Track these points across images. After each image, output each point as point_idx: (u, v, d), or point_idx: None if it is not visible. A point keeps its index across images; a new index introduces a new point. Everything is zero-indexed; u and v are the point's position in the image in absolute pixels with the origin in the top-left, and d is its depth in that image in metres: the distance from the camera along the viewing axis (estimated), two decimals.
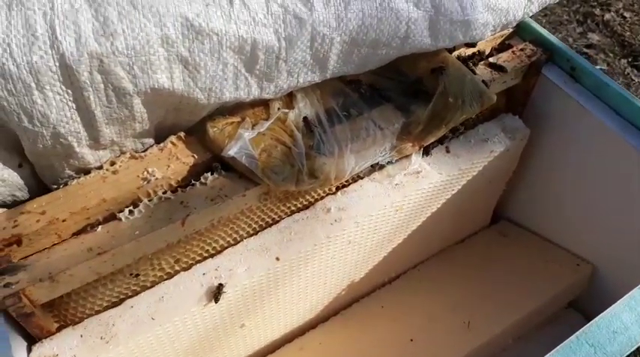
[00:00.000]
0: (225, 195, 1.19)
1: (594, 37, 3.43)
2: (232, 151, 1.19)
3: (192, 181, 1.21)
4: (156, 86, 1.07)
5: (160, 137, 1.25)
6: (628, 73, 3.26)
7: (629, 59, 3.31)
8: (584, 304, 1.76)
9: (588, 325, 0.98)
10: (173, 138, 1.25)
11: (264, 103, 1.29)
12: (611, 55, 3.35)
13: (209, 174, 1.21)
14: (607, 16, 3.57)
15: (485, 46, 1.51)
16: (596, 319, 0.99)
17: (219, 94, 1.16)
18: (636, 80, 3.23)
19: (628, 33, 3.45)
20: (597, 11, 3.58)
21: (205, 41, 1.07)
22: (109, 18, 1.01)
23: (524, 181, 1.73)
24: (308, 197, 1.34)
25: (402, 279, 1.68)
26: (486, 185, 1.61)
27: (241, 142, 1.20)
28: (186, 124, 1.26)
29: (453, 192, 1.50)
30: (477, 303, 1.57)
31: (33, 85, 0.99)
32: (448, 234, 1.76)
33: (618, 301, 1.02)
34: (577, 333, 0.96)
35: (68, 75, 1.01)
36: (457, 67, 1.36)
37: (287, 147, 1.24)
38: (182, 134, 1.25)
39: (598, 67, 3.22)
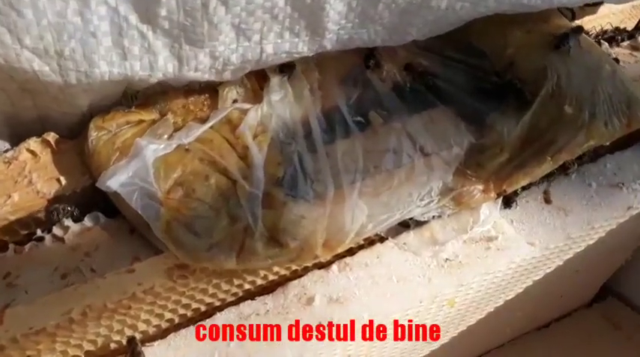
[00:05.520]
0: (92, 268, 0.59)
1: None
2: (114, 180, 0.59)
3: (39, 233, 0.61)
4: None
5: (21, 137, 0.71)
6: None
7: None
8: None
9: None
10: (32, 142, 0.68)
11: (209, 90, 0.70)
12: None
13: (72, 221, 0.61)
14: None
15: (625, 20, 0.84)
16: None
17: (85, 67, 0.56)
18: None
19: None
20: None
21: None
22: None
23: None
24: (275, 269, 0.71)
25: None
26: (605, 257, 0.94)
27: (136, 165, 0.60)
28: (62, 119, 0.68)
29: (550, 270, 0.85)
30: None
31: None
32: (526, 321, 1.10)
33: None
34: None
35: None
36: (587, 48, 0.70)
37: (229, 179, 0.62)
38: (51, 137, 0.68)
39: None
